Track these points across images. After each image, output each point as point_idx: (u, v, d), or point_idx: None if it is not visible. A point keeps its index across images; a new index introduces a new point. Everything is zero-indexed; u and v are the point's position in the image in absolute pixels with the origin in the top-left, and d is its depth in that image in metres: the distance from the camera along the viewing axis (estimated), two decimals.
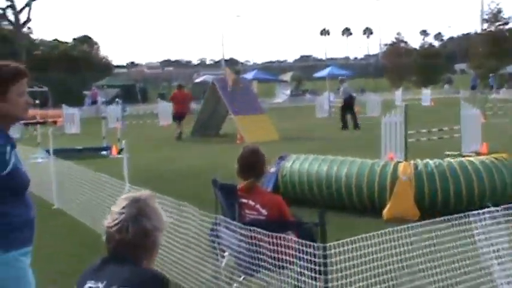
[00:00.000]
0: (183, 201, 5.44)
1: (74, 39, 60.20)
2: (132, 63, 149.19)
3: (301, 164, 8.83)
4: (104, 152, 16.54)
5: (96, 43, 59.67)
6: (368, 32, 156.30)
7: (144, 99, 48.56)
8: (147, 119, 30.42)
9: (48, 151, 15.84)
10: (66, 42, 58.74)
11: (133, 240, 2.30)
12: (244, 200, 4.58)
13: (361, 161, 8.38)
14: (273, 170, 9.14)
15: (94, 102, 38.22)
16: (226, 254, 4.63)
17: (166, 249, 5.62)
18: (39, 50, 55.05)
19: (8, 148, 2.97)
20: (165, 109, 29.63)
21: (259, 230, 4.28)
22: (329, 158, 8.72)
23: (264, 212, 4.51)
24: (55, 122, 29.05)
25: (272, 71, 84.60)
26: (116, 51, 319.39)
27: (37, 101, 17.73)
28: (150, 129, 25.95)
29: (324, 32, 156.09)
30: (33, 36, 56.88)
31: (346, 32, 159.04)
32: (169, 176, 12.32)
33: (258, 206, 4.53)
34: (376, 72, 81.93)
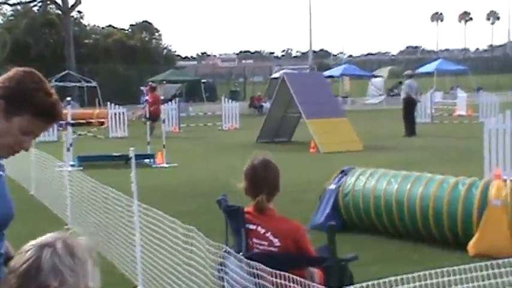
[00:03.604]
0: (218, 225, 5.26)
1: (132, 25, 61.71)
2: (204, 54, 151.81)
3: (366, 181, 8.52)
4: (147, 161, 16.71)
5: (157, 30, 60.75)
6: (493, 17, 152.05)
7: (213, 97, 49.00)
8: (210, 121, 30.63)
9: (80, 158, 16.34)
10: (123, 29, 60.25)
11: None
12: (252, 226, 4.36)
13: (441, 178, 7.98)
14: (332, 187, 8.87)
15: None
16: None
17: (171, 282, 5.51)
18: (91, 38, 56.73)
19: None
20: (231, 110, 29.82)
21: (264, 266, 4.08)
22: (401, 174, 8.37)
23: (276, 242, 4.28)
24: (101, 123, 29.80)
25: (370, 65, 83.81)
26: (184, 40, 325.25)
27: (68, 98, 18.06)
28: (210, 134, 26.13)
29: (436, 17, 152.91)
30: (84, 22, 58.57)
31: (465, 16, 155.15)
32: (216, 192, 12.19)
33: (269, 235, 4.30)
34: (503, 67, 79.56)
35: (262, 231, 4.32)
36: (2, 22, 57.26)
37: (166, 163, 16.25)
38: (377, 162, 15.23)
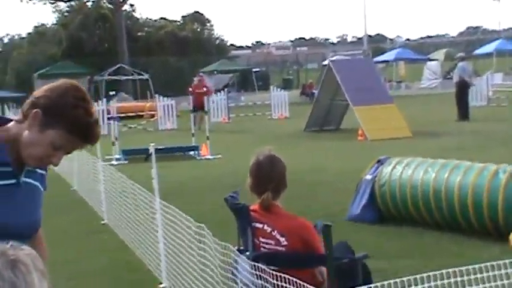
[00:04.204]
0: None
1: (183, 17, 61.83)
2: (258, 43, 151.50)
3: (403, 171, 8.22)
4: (192, 152, 16.65)
5: (208, 21, 60.76)
6: None
7: (266, 86, 48.78)
8: (260, 111, 30.40)
9: (125, 151, 16.35)
10: (174, 21, 60.48)
11: None
12: (258, 225, 4.17)
13: (480, 165, 7.63)
14: (368, 177, 8.61)
15: None
16: None
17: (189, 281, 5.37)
18: (143, 31, 57.07)
19: None
20: (280, 98, 29.63)
21: (272, 265, 3.91)
22: (439, 162, 8.04)
23: (283, 241, 4.08)
24: (152, 116, 29.91)
25: (427, 48, 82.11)
26: (239, 29, 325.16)
27: (111, 93, 18.15)
28: (259, 123, 25.97)
29: None
30: (136, 15, 58.94)
31: None
32: None
33: (275, 233, 4.11)
34: None
35: (269, 229, 4.13)
36: (58, 19, 58.16)
37: (211, 155, 16.15)
38: (425, 148, 14.86)
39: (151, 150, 6.37)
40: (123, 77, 41.25)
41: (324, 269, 4.13)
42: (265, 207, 4.19)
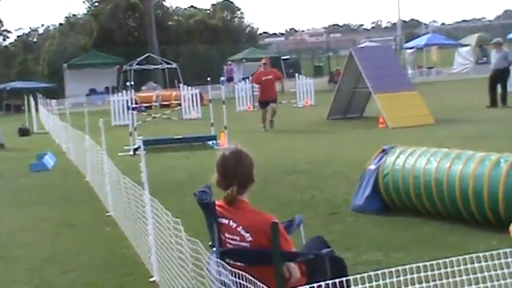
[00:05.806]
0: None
1: (213, 5, 61.88)
2: (292, 30, 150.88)
3: (406, 160, 8.08)
4: (210, 142, 16.62)
5: (238, 9, 60.73)
6: None
7: (297, 74, 48.59)
8: (285, 99, 30.18)
9: (146, 141, 16.37)
10: (205, 10, 60.51)
11: None
12: (224, 221, 4.12)
13: (482, 155, 7.46)
14: (372, 167, 8.49)
15: (230, 79, 38.93)
16: None
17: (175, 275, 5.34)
18: (173, 20, 57.21)
19: None
20: (306, 87, 29.52)
21: (238, 262, 3.88)
22: (441, 152, 7.89)
23: (248, 237, 4.03)
24: (180, 105, 29.88)
25: (462, 33, 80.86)
26: (272, 17, 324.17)
27: (128, 83, 18.13)
28: (282, 112, 25.77)
29: None
30: (166, 4, 59.10)
31: None
32: (265, 175, 11.84)
33: (240, 229, 4.05)
34: None
35: (234, 225, 4.08)
36: (88, 9, 58.54)
37: (228, 144, 16.10)
38: (444, 136, 14.71)
39: (140, 143, 6.33)
40: (151, 66, 41.28)
41: (292, 265, 4.05)
42: (230, 202, 4.14)
